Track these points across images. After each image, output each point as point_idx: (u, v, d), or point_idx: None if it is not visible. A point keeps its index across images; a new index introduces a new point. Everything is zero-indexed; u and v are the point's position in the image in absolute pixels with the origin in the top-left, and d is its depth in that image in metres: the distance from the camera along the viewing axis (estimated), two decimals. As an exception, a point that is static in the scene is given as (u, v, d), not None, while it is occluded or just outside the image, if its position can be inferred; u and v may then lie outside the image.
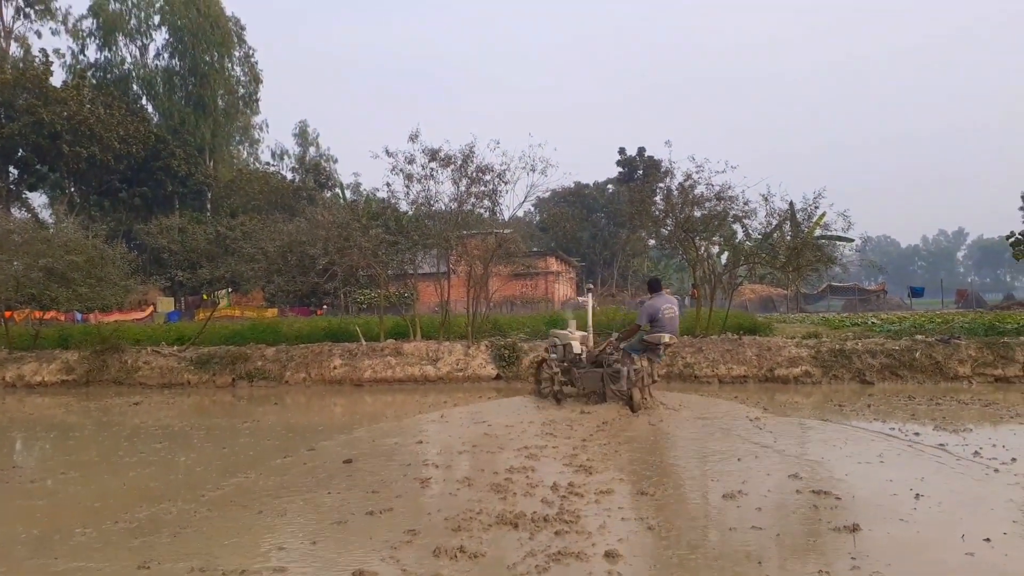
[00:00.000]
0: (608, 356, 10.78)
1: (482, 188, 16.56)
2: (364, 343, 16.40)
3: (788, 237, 17.35)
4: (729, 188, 15.90)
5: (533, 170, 16.30)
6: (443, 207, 17.17)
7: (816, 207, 16.65)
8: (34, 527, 5.44)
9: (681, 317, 12.03)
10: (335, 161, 61.38)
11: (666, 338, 10.41)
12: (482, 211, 17.13)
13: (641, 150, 63.30)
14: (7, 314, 21.02)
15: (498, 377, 14.85)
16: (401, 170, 16.82)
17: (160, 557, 4.68)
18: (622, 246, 59.05)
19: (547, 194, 22.69)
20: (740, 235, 17.64)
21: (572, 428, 9.14)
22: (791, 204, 17.43)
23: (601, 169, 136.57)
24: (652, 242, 33.69)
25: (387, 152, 16.84)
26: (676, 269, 70.28)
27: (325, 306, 32.76)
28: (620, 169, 65.12)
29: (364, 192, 52.54)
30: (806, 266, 17.06)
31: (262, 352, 16.26)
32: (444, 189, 17.02)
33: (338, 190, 48.55)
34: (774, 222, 16.81)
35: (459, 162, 16.43)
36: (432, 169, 16.69)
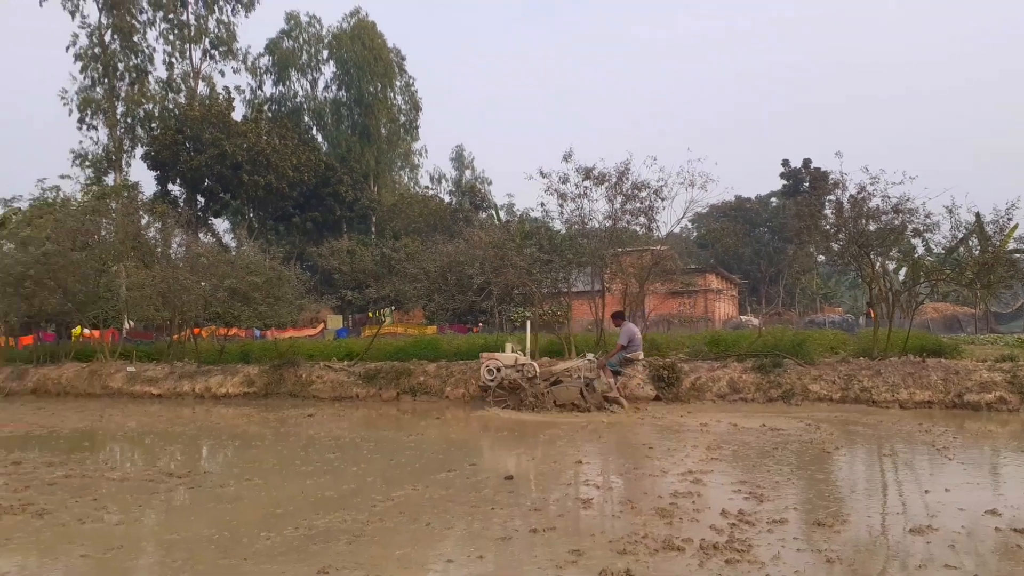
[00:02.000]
0: (569, 374, 13.43)
1: (637, 205, 16.36)
2: (520, 361, 16.55)
3: (976, 251, 15.92)
4: (908, 200, 14.80)
5: (692, 185, 15.92)
6: (597, 225, 17.11)
7: (1009, 218, 15.19)
8: (224, 529, 5.82)
9: (855, 337, 11.69)
10: (489, 183, 62.97)
11: (641, 355, 13.91)
12: (637, 228, 16.92)
13: (807, 162, 60.45)
14: (195, 331, 22.94)
15: (657, 398, 14.53)
16: (555, 190, 16.93)
17: (338, 564, 4.86)
18: (788, 262, 56.47)
19: (706, 209, 22.10)
20: (920, 250, 16.38)
21: (745, 455, 8.76)
22: (978, 216, 16.02)
23: (762, 182, 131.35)
24: (821, 258, 31.97)
25: (541, 173, 17.02)
26: (849, 286, 66.38)
27: (481, 324, 33.48)
28: (784, 182, 62.49)
29: (517, 212, 53.46)
30: (998, 283, 15.58)
31: (424, 368, 16.78)
32: (598, 207, 16.96)
33: (492, 211, 49.70)
34: (959, 235, 15.47)
35: (614, 180, 16.31)
36: (586, 187, 16.68)
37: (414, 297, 19.20)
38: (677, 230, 18.64)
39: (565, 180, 16.80)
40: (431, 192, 55.73)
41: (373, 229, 49.30)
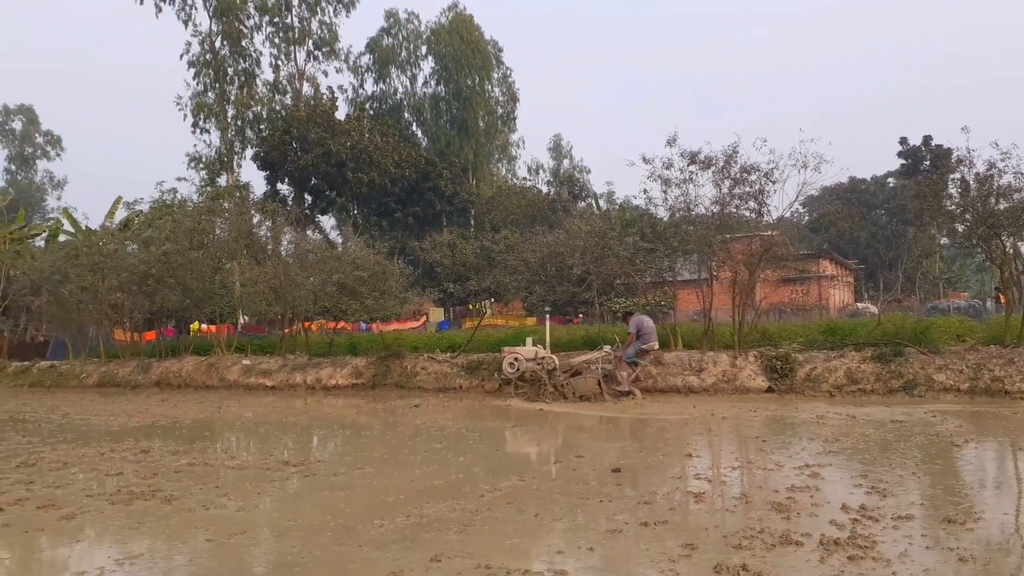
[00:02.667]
0: (588, 365, 14.06)
1: (747, 189, 15.80)
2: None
3: None
4: (1045, 176, 13.69)
5: (804, 167, 15.24)
6: (703, 211, 16.65)
7: None
8: (338, 516, 5.94)
9: (983, 324, 11.00)
10: (588, 172, 62.45)
11: (655, 345, 14.27)
12: (746, 213, 16.35)
13: (927, 139, 57.14)
14: (305, 325, 23.76)
15: (770, 390, 14.03)
16: (659, 176, 16.58)
17: (449, 552, 4.87)
18: (908, 246, 53.61)
19: (818, 192, 21.18)
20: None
21: (865, 448, 8.32)
22: None
23: (877, 163, 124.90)
24: (945, 240, 30.13)
25: (644, 159, 16.70)
26: (975, 270, 62.66)
27: (581, 315, 33.29)
28: (902, 161, 59.29)
29: (617, 201, 52.84)
30: None
31: (526, 359, 16.78)
32: (704, 192, 16.51)
33: (592, 200, 49.34)
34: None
35: (721, 163, 15.82)
36: (691, 172, 16.25)
37: (514, 289, 19.24)
38: (788, 214, 17.89)
39: (669, 165, 16.43)
40: (529, 183, 55.75)
41: (472, 222, 49.84)
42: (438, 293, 38.40)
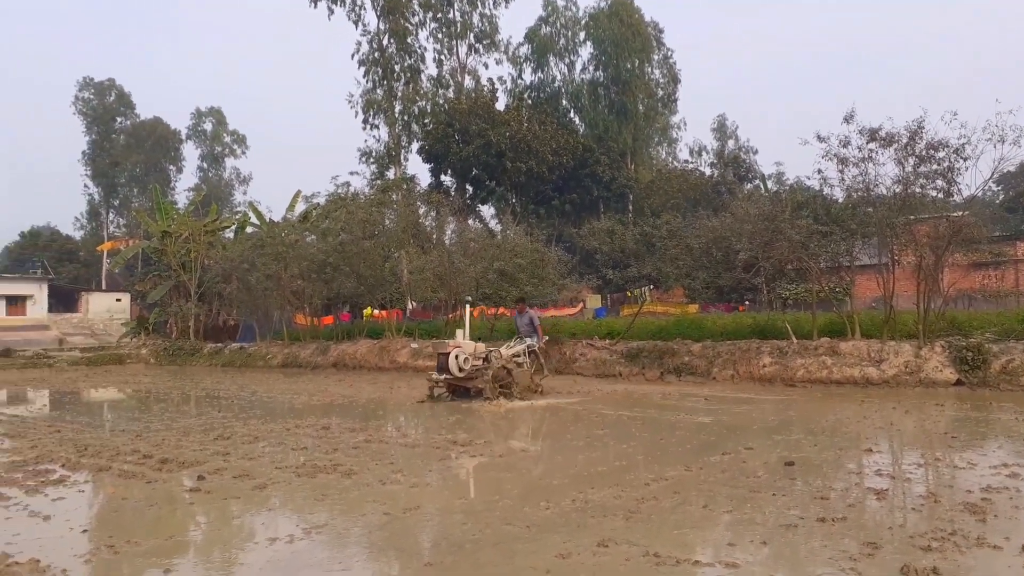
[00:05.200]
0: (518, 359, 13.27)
1: (933, 167, 14.59)
2: (795, 341, 15.58)
3: None
4: None
5: (1002, 141, 13.86)
6: (884, 191, 15.55)
7: None
8: (505, 497, 6.08)
9: None
10: (755, 152, 59.72)
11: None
12: (933, 192, 15.10)
13: None
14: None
15: (959, 383, 12.94)
16: (834, 155, 15.66)
17: (616, 538, 4.86)
18: None
19: (1015, 168, 19.21)
20: None
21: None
22: None
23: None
24: None
25: (818, 137, 15.82)
26: None
27: (748, 302, 32.12)
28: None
29: (787, 182, 50.36)
30: None
31: (688, 348, 16.41)
32: (885, 171, 15.42)
33: (759, 182, 47.35)
34: None
35: (904, 140, 14.70)
36: (871, 151, 15.22)
37: (675, 275, 18.84)
38: (981, 193, 16.36)
39: (846, 143, 15.50)
40: (691, 166, 54.22)
41: (630, 207, 49.23)
42: (596, 280, 38.30)
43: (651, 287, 33.36)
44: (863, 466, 7.15)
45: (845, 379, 13.89)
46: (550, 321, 22.86)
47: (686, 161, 56.82)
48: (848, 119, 15.43)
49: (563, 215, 46.94)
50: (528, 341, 13.97)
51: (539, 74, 53.56)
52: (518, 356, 13.45)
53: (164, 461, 7.93)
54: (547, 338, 14.65)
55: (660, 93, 53.54)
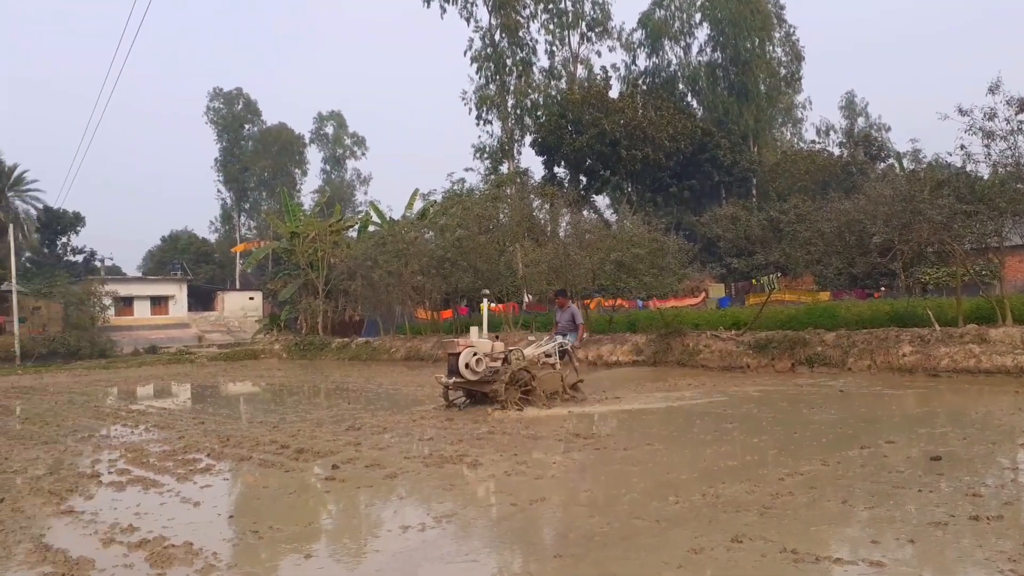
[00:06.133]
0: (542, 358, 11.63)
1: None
2: (938, 328, 14.59)
3: None
4: None
5: None
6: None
7: None
8: (631, 491, 5.98)
9: None
10: (887, 130, 56.46)
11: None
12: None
13: None
14: (585, 302, 24.34)
15: None
16: (979, 128, 14.55)
17: (750, 534, 4.69)
18: None
19: None
20: None
21: None
22: None
23: None
24: None
25: (960, 111, 14.74)
26: None
27: (883, 288, 30.41)
28: None
29: (924, 159, 47.28)
30: None
31: (821, 337, 15.65)
32: (1040, 143, 14.21)
33: (892, 161, 44.65)
34: None
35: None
36: (1020, 122, 14.04)
37: (805, 261, 17.99)
38: None
39: (992, 116, 14.38)
40: (818, 146, 51.78)
41: (754, 192, 47.58)
42: (719, 268, 37.22)
43: (778, 274, 32.12)
44: (1018, 461, 6.62)
45: (995, 368, 12.88)
46: (672, 312, 22.39)
47: (813, 141, 54.37)
48: (993, 89, 14.34)
49: (682, 202, 45.89)
50: (559, 339, 12.29)
51: (654, 59, 52.51)
52: (549, 356, 11.88)
53: (300, 451, 8.30)
54: (587, 335, 13.25)
55: (782, 72, 51.37)
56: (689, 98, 52.21)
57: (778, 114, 54.51)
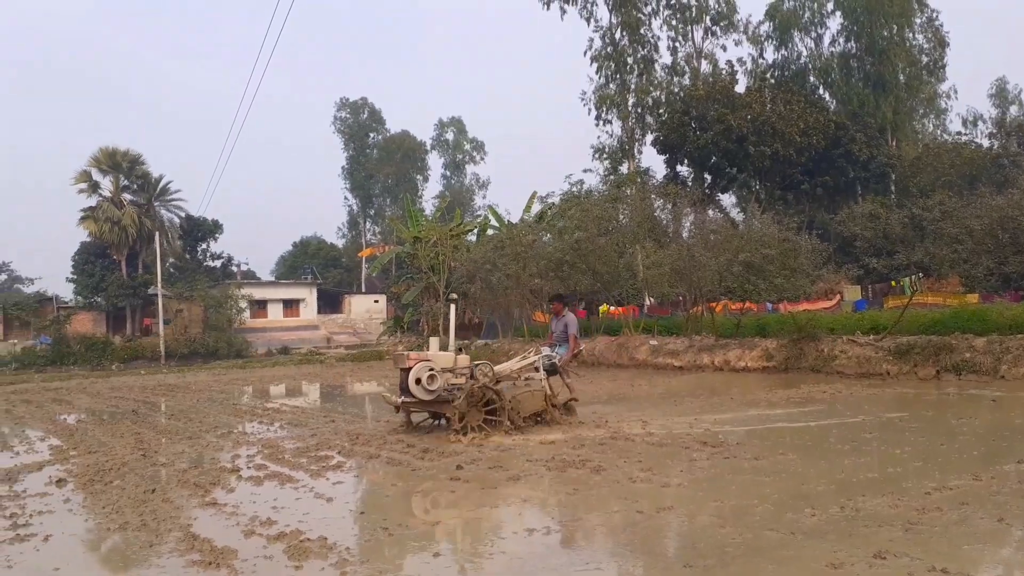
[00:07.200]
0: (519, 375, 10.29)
1: None
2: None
3: None
4: None
5: None
6: None
7: None
8: (765, 501, 5.72)
9: None
10: (1044, 117, 52.09)
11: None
12: None
13: None
14: (710, 305, 23.64)
15: None
16: None
17: (894, 550, 4.40)
18: None
19: None
20: None
21: None
22: None
23: None
24: None
25: None
26: None
27: (1040, 290, 28.00)
28: None
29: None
30: None
31: (970, 342, 14.53)
32: None
33: (1050, 151, 41.06)
34: None
35: None
36: None
37: (951, 261, 16.76)
38: None
39: None
40: (964, 138, 48.28)
41: (893, 188, 44.90)
42: (856, 269, 35.33)
43: (920, 275, 30.22)
44: None
45: None
46: (805, 316, 21.37)
47: (958, 133, 50.77)
48: None
49: (815, 200, 43.90)
50: (546, 350, 10.96)
51: (782, 51, 50.50)
52: (537, 371, 10.41)
53: (425, 451, 8.47)
54: (581, 350, 11.82)
55: (924, 60, 48.11)
56: (821, 91, 49.85)
57: (919, 105, 51.14)
